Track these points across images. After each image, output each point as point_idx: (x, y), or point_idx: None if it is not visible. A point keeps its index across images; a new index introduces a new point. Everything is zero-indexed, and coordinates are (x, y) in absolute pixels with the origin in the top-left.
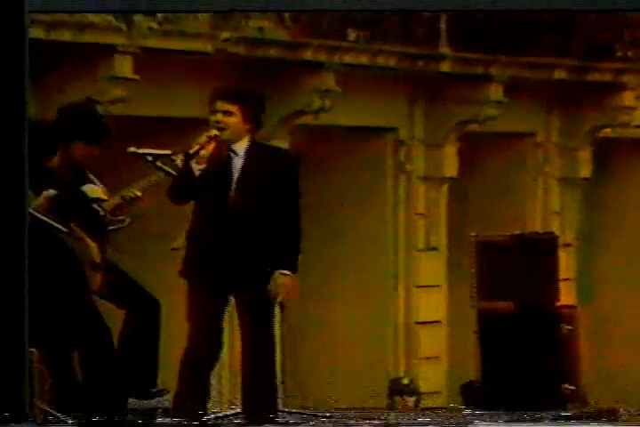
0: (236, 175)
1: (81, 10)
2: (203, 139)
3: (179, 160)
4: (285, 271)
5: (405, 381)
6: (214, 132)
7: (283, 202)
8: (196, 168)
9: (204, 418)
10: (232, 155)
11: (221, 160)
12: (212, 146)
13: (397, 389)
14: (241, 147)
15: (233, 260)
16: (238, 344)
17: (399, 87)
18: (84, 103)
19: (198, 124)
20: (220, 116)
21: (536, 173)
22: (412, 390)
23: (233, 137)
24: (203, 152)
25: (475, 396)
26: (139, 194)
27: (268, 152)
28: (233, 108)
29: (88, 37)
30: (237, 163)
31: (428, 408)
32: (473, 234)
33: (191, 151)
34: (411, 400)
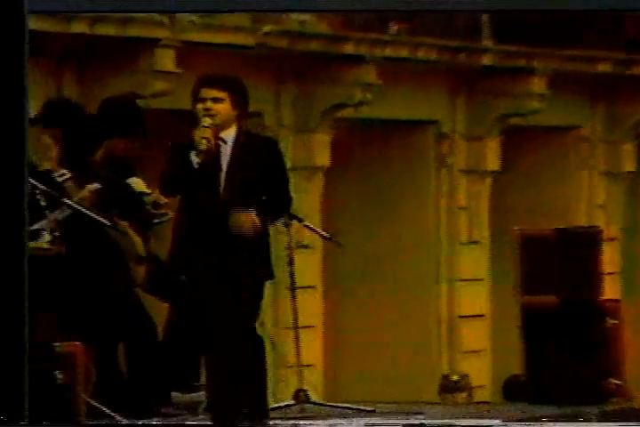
0: (225, 164)
1: (81, 10)
2: (207, 133)
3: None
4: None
5: (455, 377)
6: (208, 121)
7: (273, 189)
8: (195, 161)
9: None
10: (220, 143)
11: (210, 149)
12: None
13: (447, 386)
14: (229, 135)
15: (224, 254)
16: (285, 341)
17: (440, 80)
18: (124, 96)
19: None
20: (209, 104)
21: (580, 166)
22: (462, 387)
23: (222, 124)
24: (203, 145)
25: (518, 390)
26: None
27: (254, 140)
28: (222, 95)
29: (131, 31)
30: (226, 151)
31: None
32: (516, 228)
33: (203, 148)
34: (461, 397)
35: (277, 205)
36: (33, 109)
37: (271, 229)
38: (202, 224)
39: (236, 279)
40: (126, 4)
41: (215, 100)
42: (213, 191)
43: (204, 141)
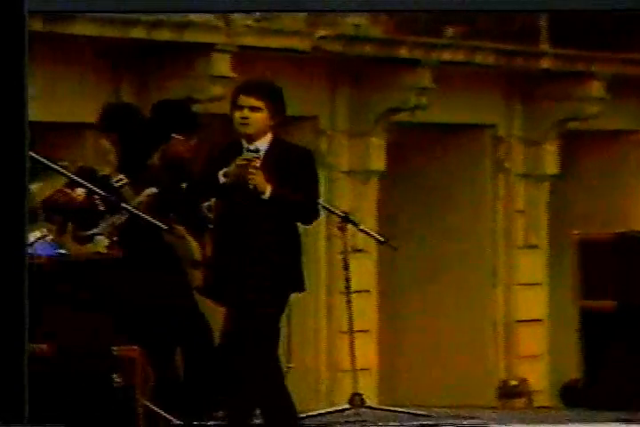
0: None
1: (81, 10)
2: (243, 164)
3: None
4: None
5: (514, 382)
6: (252, 155)
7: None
8: (222, 179)
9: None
10: (251, 154)
11: (241, 176)
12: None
13: (505, 391)
14: (262, 144)
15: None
16: (340, 346)
17: (497, 84)
18: (176, 99)
19: (294, 122)
20: (246, 112)
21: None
22: (520, 392)
23: (255, 134)
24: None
25: (576, 395)
26: None
27: (287, 149)
28: (259, 104)
29: (188, 36)
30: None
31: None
32: (575, 232)
33: (230, 172)
34: (521, 402)
35: (304, 214)
36: (91, 114)
37: (326, 234)
38: (231, 232)
39: (261, 290)
40: (126, 5)
41: (252, 108)
42: (241, 200)
43: (236, 169)
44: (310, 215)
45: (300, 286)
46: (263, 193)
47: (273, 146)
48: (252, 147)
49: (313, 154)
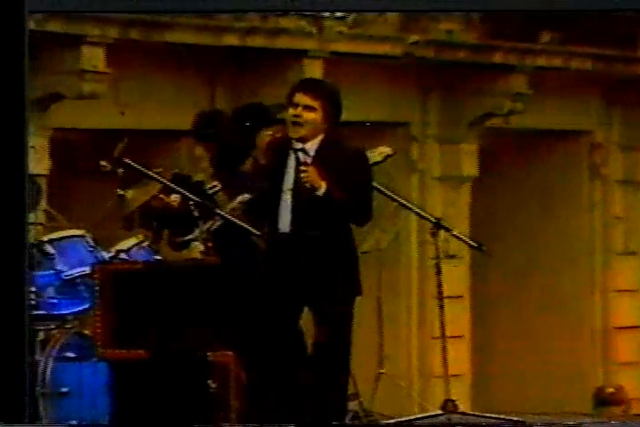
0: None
1: (81, 10)
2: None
3: (376, 153)
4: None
5: (610, 389)
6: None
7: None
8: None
9: (392, 421)
10: (302, 155)
11: (284, 159)
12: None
13: (602, 398)
14: (312, 146)
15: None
16: (432, 351)
17: (594, 89)
18: (260, 105)
19: (386, 128)
20: (299, 110)
21: None
22: (617, 399)
23: (307, 135)
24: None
25: None
26: None
27: (339, 150)
28: (315, 104)
29: (281, 43)
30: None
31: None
32: None
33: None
34: (617, 409)
35: (359, 214)
36: (186, 122)
37: (417, 240)
38: (283, 234)
39: (319, 297)
40: (126, 4)
41: (307, 107)
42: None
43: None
44: (364, 215)
45: (359, 291)
46: (318, 189)
47: (323, 147)
48: (298, 147)
49: (365, 153)
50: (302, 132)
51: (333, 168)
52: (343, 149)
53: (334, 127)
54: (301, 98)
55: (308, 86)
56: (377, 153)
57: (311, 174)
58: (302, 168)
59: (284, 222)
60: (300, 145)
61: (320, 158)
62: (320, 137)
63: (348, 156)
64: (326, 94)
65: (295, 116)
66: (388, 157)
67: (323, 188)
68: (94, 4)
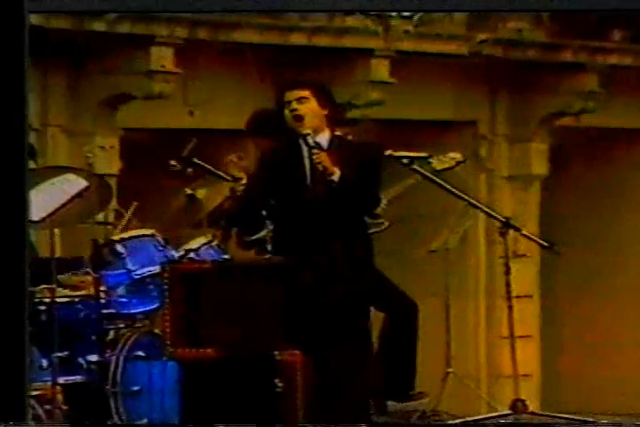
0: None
1: (81, 10)
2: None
3: (435, 162)
4: None
5: None
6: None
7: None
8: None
9: (460, 421)
10: (311, 141)
11: (300, 154)
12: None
13: None
14: (323, 139)
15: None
16: (501, 351)
17: None
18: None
19: (453, 127)
20: (295, 104)
21: None
22: None
23: (314, 126)
24: None
25: None
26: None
27: (348, 144)
28: (305, 93)
29: (347, 42)
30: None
31: None
32: None
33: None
34: None
35: (369, 202)
36: (243, 120)
37: (486, 239)
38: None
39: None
40: (126, 4)
41: (300, 100)
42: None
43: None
44: (373, 203)
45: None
46: (333, 174)
47: (333, 142)
48: (310, 140)
49: (378, 147)
50: (307, 124)
51: (345, 160)
52: (356, 143)
53: (336, 119)
54: (290, 94)
55: (292, 82)
56: (447, 159)
57: (324, 160)
58: (315, 154)
59: None
60: (310, 139)
61: (334, 152)
62: (328, 130)
63: (360, 149)
64: (310, 83)
65: (292, 110)
66: (458, 163)
67: (337, 173)
68: (93, 3)
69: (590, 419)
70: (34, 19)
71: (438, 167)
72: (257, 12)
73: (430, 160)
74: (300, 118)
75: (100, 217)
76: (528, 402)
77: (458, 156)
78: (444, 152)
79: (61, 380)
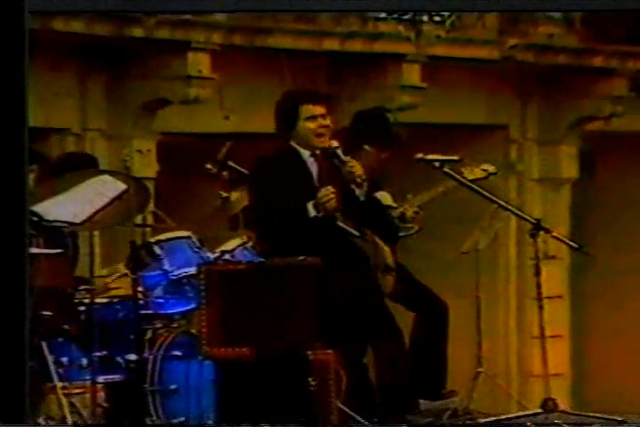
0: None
1: (81, 10)
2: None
3: (467, 172)
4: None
5: None
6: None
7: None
8: (311, 212)
9: (492, 419)
10: (337, 162)
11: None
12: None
13: None
14: (339, 150)
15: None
16: (531, 351)
17: None
18: (375, 109)
19: (484, 131)
20: (321, 120)
21: None
22: None
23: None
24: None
25: None
26: (419, 210)
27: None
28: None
29: (379, 47)
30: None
31: None
32: None
33: (330, 206)
34: None
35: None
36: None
37: (516, 241)
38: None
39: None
40: (126, 4)
41: (324, 116)
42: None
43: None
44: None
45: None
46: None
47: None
48: (340, 152)
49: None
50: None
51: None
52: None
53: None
54: (314, 109)
55: (313, 96)
56: (479, 169)
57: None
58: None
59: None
60: (340, 151)
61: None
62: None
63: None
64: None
65: (323, 126)
66: (490, 174)
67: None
68: (93, 2)
69: (620, 418)
70: (75, 25)
71: (470, 177)
72: (241, 11)
73: (462, 170)
74: (324, 135)
75: (139, 219)
76: (558, 401)
77: (491, 168)
78: (474, 156)
79: (101, 379)
